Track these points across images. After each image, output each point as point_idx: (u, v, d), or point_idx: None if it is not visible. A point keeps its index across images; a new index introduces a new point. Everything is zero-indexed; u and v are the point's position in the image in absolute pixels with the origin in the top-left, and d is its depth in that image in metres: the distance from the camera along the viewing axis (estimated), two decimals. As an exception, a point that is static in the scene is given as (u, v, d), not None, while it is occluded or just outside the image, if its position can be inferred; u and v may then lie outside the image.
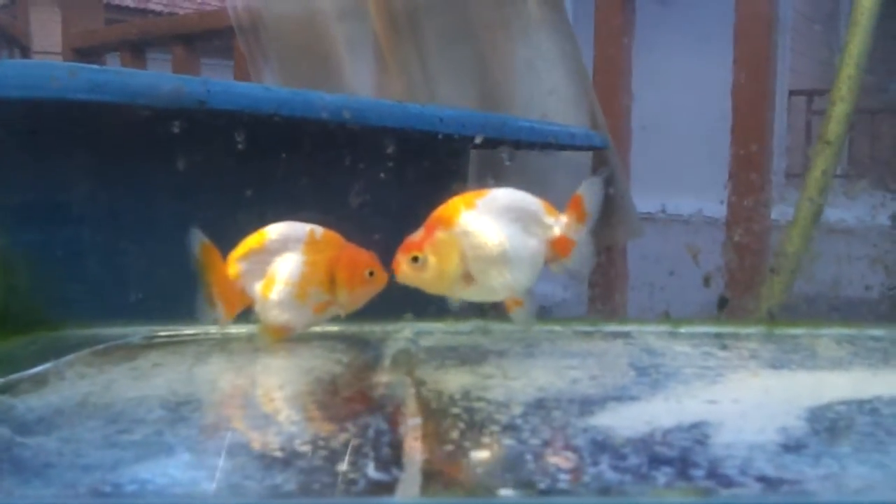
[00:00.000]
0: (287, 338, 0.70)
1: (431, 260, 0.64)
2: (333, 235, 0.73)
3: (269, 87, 1.28)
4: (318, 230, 0.72)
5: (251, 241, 0.71)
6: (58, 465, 0.47)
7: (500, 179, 1.89)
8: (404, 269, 0.65)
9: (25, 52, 2.59)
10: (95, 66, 1.19)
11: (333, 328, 0.78)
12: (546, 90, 1.94)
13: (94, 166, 0.85)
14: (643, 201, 1.86)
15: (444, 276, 0.64)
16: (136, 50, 2.60)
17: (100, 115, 0.86)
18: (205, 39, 2.58)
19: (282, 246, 0.70)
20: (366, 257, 0.73)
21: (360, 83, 2.12)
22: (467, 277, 0.64)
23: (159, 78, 1.07)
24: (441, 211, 0.67)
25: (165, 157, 0.89)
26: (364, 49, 2.11)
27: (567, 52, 1.93)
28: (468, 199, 0.68)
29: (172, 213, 0.87)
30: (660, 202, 1.88)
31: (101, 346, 0.70)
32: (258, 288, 0.69)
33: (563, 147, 1.81)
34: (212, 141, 1.00)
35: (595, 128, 1.87)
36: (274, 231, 0.71)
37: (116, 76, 0.99)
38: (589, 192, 0.70)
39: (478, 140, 1.44)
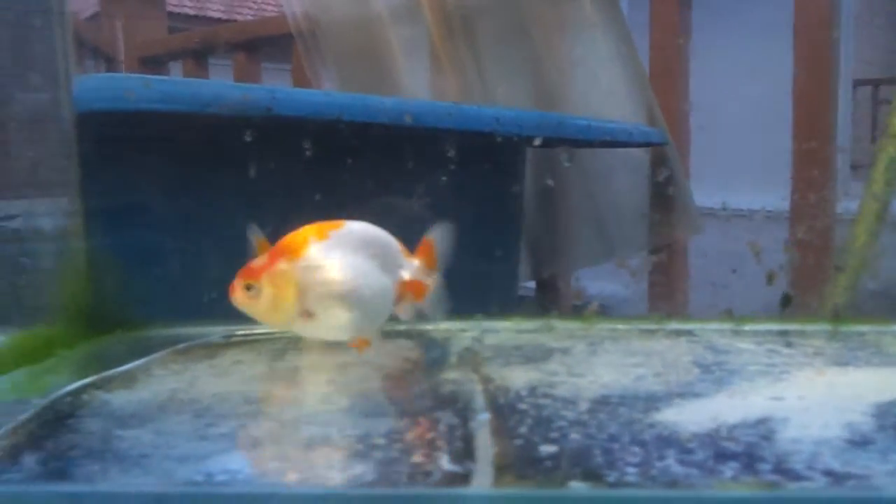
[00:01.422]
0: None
1: (266, 291, 0.61)
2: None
3: (330, 92, 1.32)
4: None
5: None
6: (153, 455, 0.50)
7: (559, 180, 1.90)
8: (238, 296, 0.62)
9: (111, 62, 2.69)
10: (167, 78, 1.24)
11: (400, 327, 0.80)
12: (602, 88, 1.94)
13: (174, 172, 0.89)
14: (703, 197, 1.85)
15: (279, 309, 0.61)
16: (199, 57, 2.68)
17: (176, 123, 0.90)
18: (265, 45, 2.65)
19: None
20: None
21: (416, 85, 2.15)
22: (305, 313, 0.62)
23: (227, 87, 1.12)
24: (288, 239, 0.64)
25: (239, 162, 0.93)
26: (419, 51, 2.14)
27: (623, 49, 1.93)
28: (321, 229, 0.64)
29: (247, 216, 0.91)
30: (721, 199, 1.86)
31: (182, 346, 0.74)
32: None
33: (620, 144, 1.81)
34: (281, 146, 1.03)
35: (653, 124, 1.87)
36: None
37: (187, 87, 1.03)
38: (440, 237, 0.69)
39: (537, 142, 1.45)
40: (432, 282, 0.68)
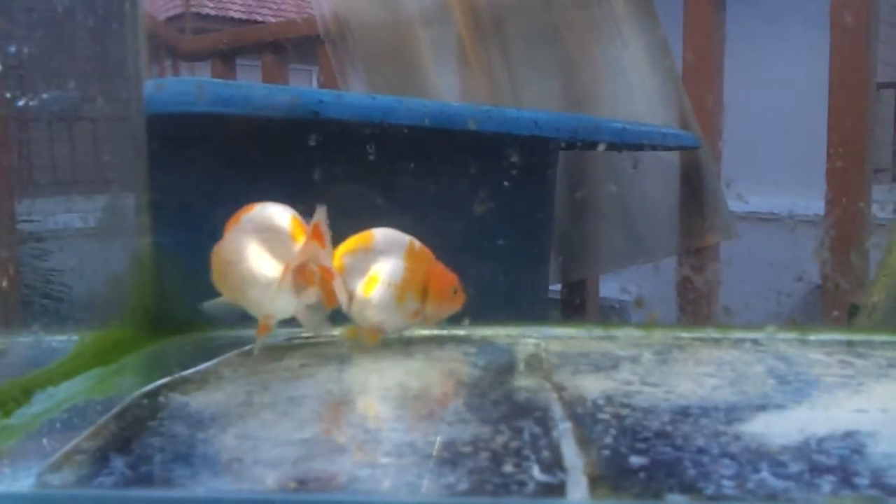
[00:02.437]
0: (380, 340, 0.73)
1: None
2: (427, 249, 0.75)
3: (375, 96, 1.32)
4: (416, 242, 0.75)
5: (358, 240, 0.73)
6: (243, 460, 0.50)
7: (623, 186, 1.89)
8: None
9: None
10: (220, 81, 1.25)
11: (460, 331, 0.81)
12: (634, 90, 1.94)
13: (237, 173, 0.90)
14: (736, 201, 1.84)
15: None
16: (227, 58, 2.69)
17: (236, 125, 0.91)
18: (293, 47, 2.66)
19: (386, 249, 0.73)
20: (452, 275, 0.76)
21: (445, 86, 2.15)
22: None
23: (277, 91, 1.13)
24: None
25: (297, 164, 0.94)
26: (449, 52, 2.14)
27: (656, 51, 1.93)
28: (237, 215, 0.70)
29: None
30: (754, 202, 1.85)
31: (248, 348, 0.74)
32: (360, 286, 0.72)
33: (655, 148, 1.80)
34: (340, 148, 1.04)
35: (686, 127, 1.86)
36: (379, 234, 0.74)
37: (239, 90, 1.04)
38: (324, 218, 0.68)
39: (601, 147, 1.45)
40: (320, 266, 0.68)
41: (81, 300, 0.71)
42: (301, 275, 0.67)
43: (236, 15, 6.66)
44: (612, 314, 2.51)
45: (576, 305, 2.01)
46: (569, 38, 2.01)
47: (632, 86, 1.96)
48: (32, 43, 0.61)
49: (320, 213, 0.67)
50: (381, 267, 0.72)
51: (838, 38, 1.64)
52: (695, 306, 1.82)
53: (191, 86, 0.95)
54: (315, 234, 0.67)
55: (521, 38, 2.06)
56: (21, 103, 0.64)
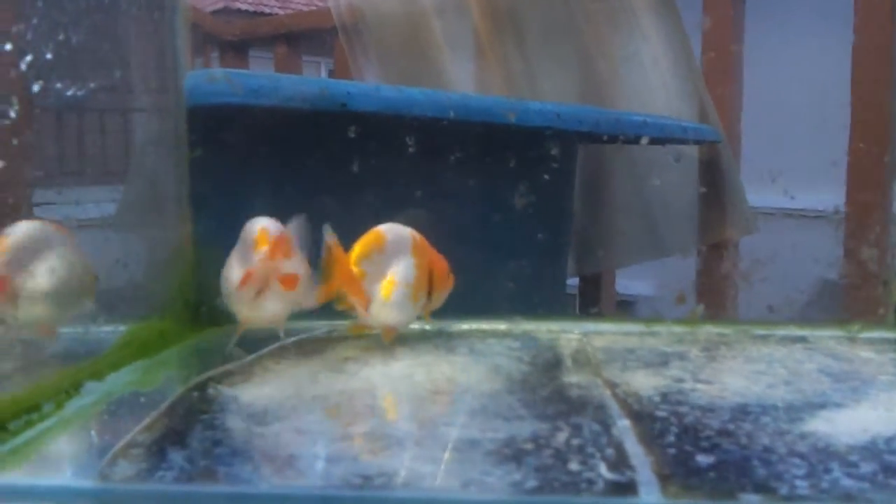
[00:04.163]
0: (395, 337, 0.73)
1: None
2: (423, 238, 0.75)
3: (402, 88, 1.31)
4: (416, 233, 0.74)
5: (371, 243, 0.72)
6: (302, 455, 0.50)
7: (641, 180, 1.88)
8: None
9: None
10: (249, 73, 1.24)
11: (501, 326, 0.80)
12: (653, 84, 1.93)
13: (278, 165, 0.89)
14: (756, 196, 1.83)
15: None
16: (238, 50, 2.68)
17: (273, 116, 0.90)
18: (306, 38, 2.65)
19: (395, 248, 0.73)
20: (444, 260, 0.76)
21: (460, 78, 2.14)
22: None
23: (305, 82, 1.12)
24: None
25: (337, 157, 0.94)
26: (464, 44, 2.12)
27: (676, 44, 1.91)
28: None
29: (347, 209, 0.91)
30: (773, 196, 1.84)
31: (289, 340, 0.73)
32: (379, 288, 0.72)
33: (675, 141, 1.80)
34: (380, 141, 1.04)
35: (705, 121, 1.85)
36: (388, 233, 0.73)
37: (268, 81, 1.03)
38: (297, 229, 0.70)
39: (644, 140, 1.45)
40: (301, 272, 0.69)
41: (125, 291, 0.70)
42: (255, 282, 0.68)
43: (243, 7, 6.63)
44: (625, 309, 2.50)
45: (592, 299, 2.00)
46: (587, 29, 1.99)
47: (651, 79, 1.94)
48: (80, 32, 0.61)
49: (295, 225, 0.69)
50: (395, 268, 0.72)
51: (862, 32, 1.62)
52: (711, 301, 1.81)
53: (221, 77, 0.94)
54: (277, 245, 0.67)
55: (538, 29, 2.05)
56: (64, 92, 0.63)
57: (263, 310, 0.69)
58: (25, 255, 0.64)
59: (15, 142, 0.55)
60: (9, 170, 0.57)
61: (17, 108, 0.54)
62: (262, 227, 0.69)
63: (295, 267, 0.69)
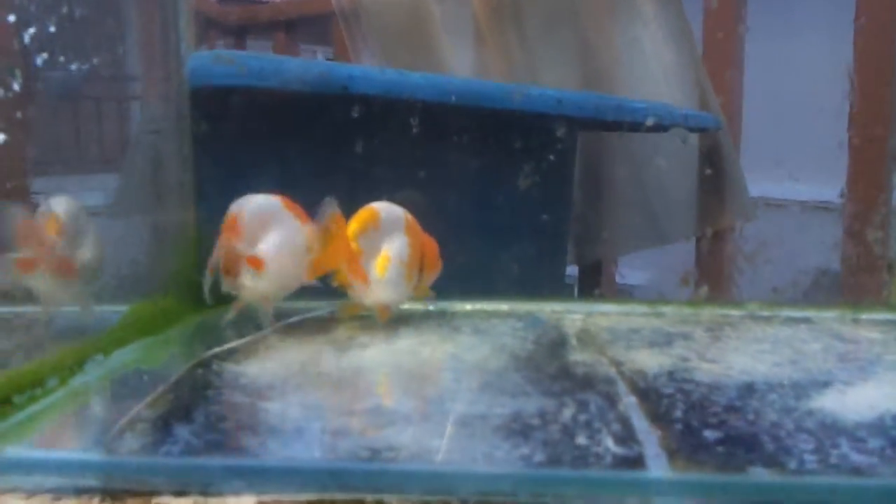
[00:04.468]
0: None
1: None
2: (414, 219, 0.74)
3: (403, 72, 1.31)
4: (407, 213, 0.74)
5: (367, 219, 0.72)
6: (308, 429, 0.50)
7: (640, 168, 1.87)
8: None
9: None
10: (251, 54, 1.23)
11: (503, 306, 0.80)
12: (654, 71, 1.92)
13: (278, 146, 0.89)
14: (755, 184, 1.83)
15: None
16: (238, 35, 2.66)
17: (276, 98, 0.90)
18: (305, 25, 2.64)
19: (390, 225, 0.72)
20: (434, 241, 0.76)
21: (460, 65, 2.13)
22: None
23: (308, 65, 1.11)
24: None
25: (347, 137, 0.93)
26: (464, 32, 2.11)
27: (676, 31, 1.91)
28: None
29: (350, 190, 0.91)
30: (772, 185, 1.85)
31: (293, 319, 0.73)
32: (373, 266, 0.71)
33: (676, 128, 1.79)
34: (383, 123, 1.04)
35: (705, 109, 1.85)
36: (382, 210, 0.72)
37: (270, 63, 1.03)
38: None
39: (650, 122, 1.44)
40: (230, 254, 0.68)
41: (128, 271, 0.70)
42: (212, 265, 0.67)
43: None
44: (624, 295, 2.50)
45: (591, 287, 2.00)
46: (587, 17, 1.99)
47: (651, 67, 1.94)
48: (85, 8, 0.60)
49: (237, 207, 0.68)
50: (390, 245, 0.72)
51: (865, 19, 1.62)
52: (717, 285, 1.81)
53: (226, 58, 0.93)
54: (228, 229, 0.67)
55: (539, 16, 2.04)
56: (59, 76, 0.63)
57: (243, 289, 0.68)
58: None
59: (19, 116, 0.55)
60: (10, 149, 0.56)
61: (20, 80, 0.53)
62: (233, 211, 0.68)
63: (278, 243, 0.68)
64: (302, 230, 0.70)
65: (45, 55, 0.63)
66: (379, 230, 0.72)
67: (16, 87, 0.55)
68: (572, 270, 1.97)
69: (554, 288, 1.62)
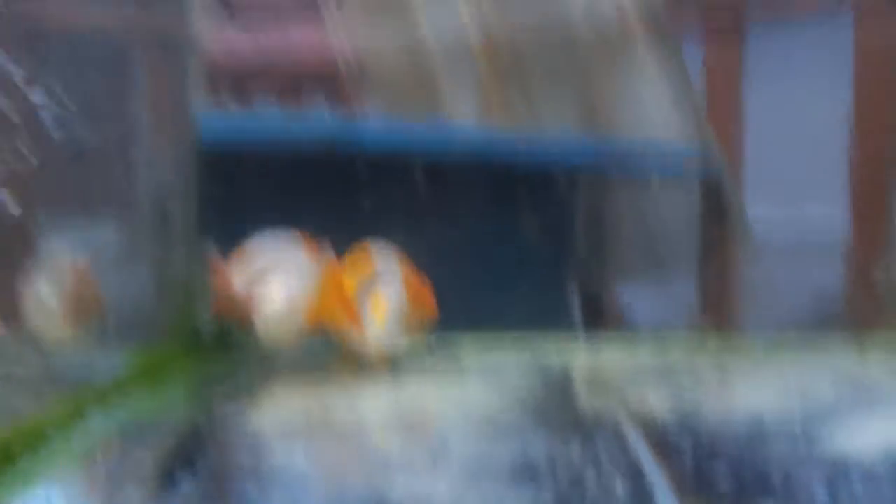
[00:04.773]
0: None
1: None
2: (406, 260, 0.74)
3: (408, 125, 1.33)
4: (402, 257, 0.74)
5: (362, 264, 0.72)
6: (316, 479, 0.49)
7: (641, 199, 1.87)
8: None
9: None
10: (262, 114, 1.26)
11: (508, 340, 0.80)
12: (654, 118, 1.95)
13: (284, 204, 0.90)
14: (756, 208, 1.84)
15: None
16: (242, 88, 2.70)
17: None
18: (311, 81, 2.68)
19: (385, 269, 0.72)
20: (428, 286, 0.75)
21: (463, 116, 2.16)
22: None
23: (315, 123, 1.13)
24: None
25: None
26: (468, 90, 2.15)
27: (676, 79, 1.94)
28: None
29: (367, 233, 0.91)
30: (774, 209, 1.86)
31: (295, 366, 0.73)
32: (370, 314, 0.71)
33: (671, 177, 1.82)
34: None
35: (707, 149, 1.87)
36: (376, 253, 0.73)
37: (279, 122, 1.05)
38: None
39: None
40: None
41: (131, 317, 0.70)
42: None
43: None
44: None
45: (593, 318, 1.99)
46: (589, 73, 2.02)
47: (651, 113, 1.97)
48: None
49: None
50: (386, 291, 0.71)
51: (863, 31, 1.64)
52: (713, 315, 1.80)
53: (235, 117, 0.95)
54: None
55: (542, 77, 2.07)
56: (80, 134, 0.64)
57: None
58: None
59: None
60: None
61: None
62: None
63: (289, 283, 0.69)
64: (314, 269, 0.70)
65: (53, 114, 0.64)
66: (375, 274, 0.72)
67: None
68: (573, 301, 1.96)
69: (556, 320, 1.62)
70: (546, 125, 1.98)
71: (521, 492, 0.45)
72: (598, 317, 1.97)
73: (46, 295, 0.69)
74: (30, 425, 0.53)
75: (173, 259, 0.73)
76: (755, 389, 0.63)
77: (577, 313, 1.95)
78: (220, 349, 0.75)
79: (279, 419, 0.59)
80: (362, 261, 0.72)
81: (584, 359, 0.74)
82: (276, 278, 0.69)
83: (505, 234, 1.43)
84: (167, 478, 0.49)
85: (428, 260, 0.73)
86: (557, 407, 0.61)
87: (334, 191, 1.03)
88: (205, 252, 0.71)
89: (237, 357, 0.74)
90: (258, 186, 0.90)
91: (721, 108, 1.86)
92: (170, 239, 0.73)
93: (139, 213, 0.74)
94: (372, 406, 0.63)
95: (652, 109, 1.94)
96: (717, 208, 1.83)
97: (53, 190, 0.70)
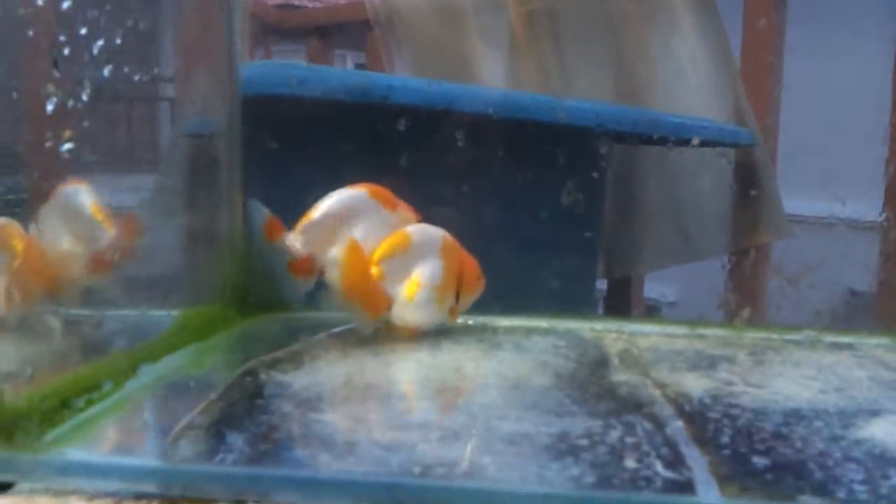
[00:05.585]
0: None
1: None
2: (455, 240, 0.75)
3: (441, 83, 1.32)
4: (447, 235, 0.75)
5: (395, 243, 0.73)
6: (360, 443, 0.50)
7: (674, 182, 1.87)
8: None
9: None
10: (297, 64, 1.25)
11: (543, 323, 0.80)
12: (690, 85, 1.92)
13: (327, 155, 0.90)
14: (792, 201, 1.82)
15: None
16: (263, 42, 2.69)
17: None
18: (339, 32, 2.66)
19: (421, 249, 0.73)
20: (475, 262, 0.76)
21: (494, 76, 2.13)
22: None
23: (348, 75, 1.13)
24: None
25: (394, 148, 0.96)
26: (499, 42, 2.12)
27: (714, 44, 1.90)
28: None
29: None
30: (810, 202, 1.83)
31: (336, 330, 0.74)
32: (401, 290, 0.72)
33: (710, 144, 1.79)
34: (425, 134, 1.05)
35: (741, 124, 1.84)
36: (414, 234, 0.74)
37: (314, 73, 1.04)
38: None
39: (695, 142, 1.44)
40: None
41: (176, 277, 0.72)
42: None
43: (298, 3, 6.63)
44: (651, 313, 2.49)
45: (619, 302, 1.99)
46: (624, 29, 1.98)
47: (688, 80, 1.93)
48: (146, 20, 0.62)
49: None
50: (421, 269, 0.72)
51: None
52: (741, 306, 1.79)
53: (278, 67, 0.95)
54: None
55: (575, 28, 2.04)
56: (116, 79, 0.64)
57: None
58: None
59: (86, 124, 0.56)
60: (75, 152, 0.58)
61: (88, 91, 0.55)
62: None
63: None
64: (390, 220, 0.72)
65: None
66: (409, 254, 0.73)
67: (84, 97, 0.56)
68: (601, 285, 1.96)
69: (582, 303, 1.63)
70: (579, 90, 1.96)
71: (561, 464, 0.46)
72: (625, 298, 1.97)
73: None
74: (84, 376, 0.55)
75: (218, 214, 0.74)
76: (791, 378, 0.63)
77: (602, 293, 1.95)
78: (264, 310, 0.76)
79: (321, 380, 0.61)
80: (394, 241, 0.73)
81: (619, 340, 0.75)
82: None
83: (531, 209, 1.42)
84: (213, 435, 0.51)
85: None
86: (590, 383, 0.62)
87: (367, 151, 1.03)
88: (254, 208, 0.72)
89: (278, 318, 0.76)
90: (290, 139, 0.90)
91: (758, 77, 1.82)
92: (215, 191, 0.74)
93: (171, 165, 0.75)
94: (410, 371, 0.64)
95: (689, 76, 1.91)
96: (751, 189, 1.81)
97: (99, 134, 0.70)
